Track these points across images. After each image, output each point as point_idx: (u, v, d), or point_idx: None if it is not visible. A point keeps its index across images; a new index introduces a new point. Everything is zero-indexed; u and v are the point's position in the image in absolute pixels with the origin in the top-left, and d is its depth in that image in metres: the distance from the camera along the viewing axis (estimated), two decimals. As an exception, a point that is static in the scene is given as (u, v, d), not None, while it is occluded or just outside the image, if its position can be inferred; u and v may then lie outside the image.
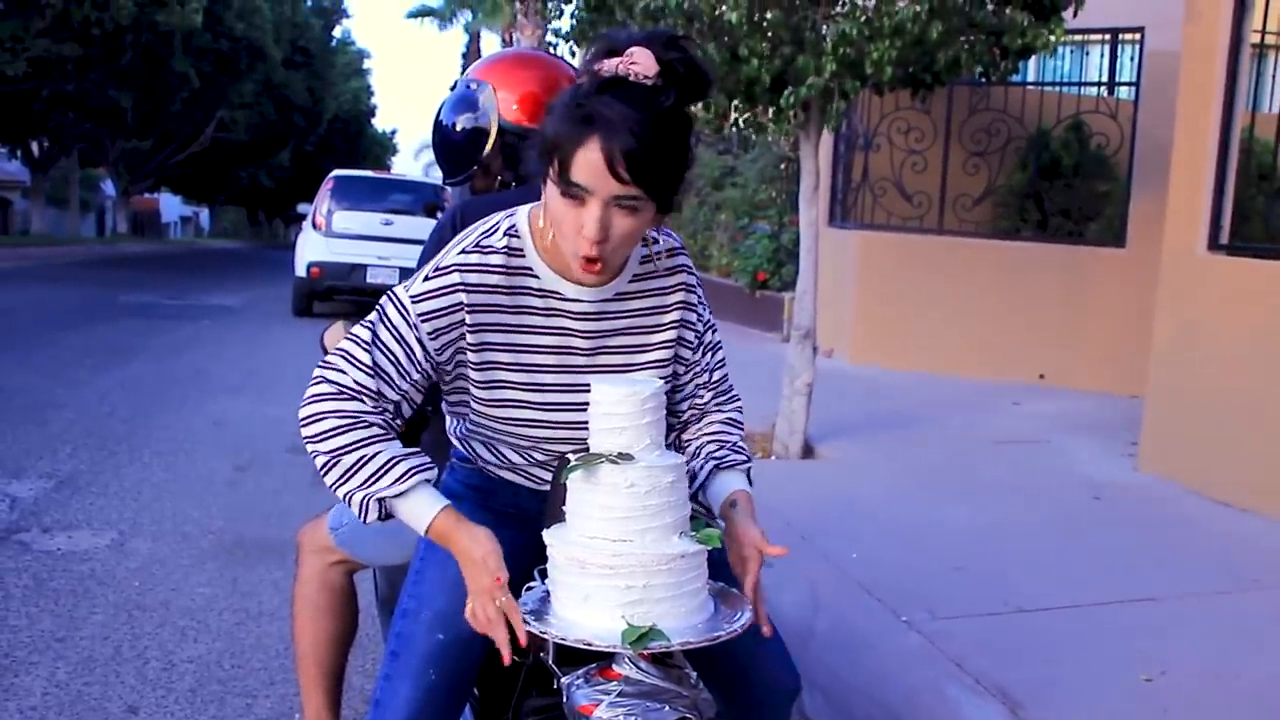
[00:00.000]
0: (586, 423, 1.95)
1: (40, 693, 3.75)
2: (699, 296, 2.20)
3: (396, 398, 1.99)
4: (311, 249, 15.67)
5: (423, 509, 1.94)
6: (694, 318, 2.18)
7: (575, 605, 1.83)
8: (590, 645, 1.77)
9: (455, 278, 1.99)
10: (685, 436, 2.24)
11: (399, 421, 2.01)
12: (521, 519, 2.16)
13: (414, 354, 1.98)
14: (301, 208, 18.86)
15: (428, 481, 1.96)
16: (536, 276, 2.03)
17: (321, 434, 1.94)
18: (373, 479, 1.93)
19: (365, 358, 1.97)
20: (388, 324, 1.99)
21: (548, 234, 1.99)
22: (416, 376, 1.99)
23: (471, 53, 36.88)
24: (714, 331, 2.24)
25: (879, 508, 5.91)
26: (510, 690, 2.34)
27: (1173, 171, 6.82)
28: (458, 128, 3.00)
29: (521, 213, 2.07)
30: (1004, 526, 5.57)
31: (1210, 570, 5.03)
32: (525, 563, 1.99)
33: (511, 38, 31.08)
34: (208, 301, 18.06)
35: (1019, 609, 4.41)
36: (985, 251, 10.55)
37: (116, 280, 21.07)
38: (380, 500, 1.94)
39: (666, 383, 2.10)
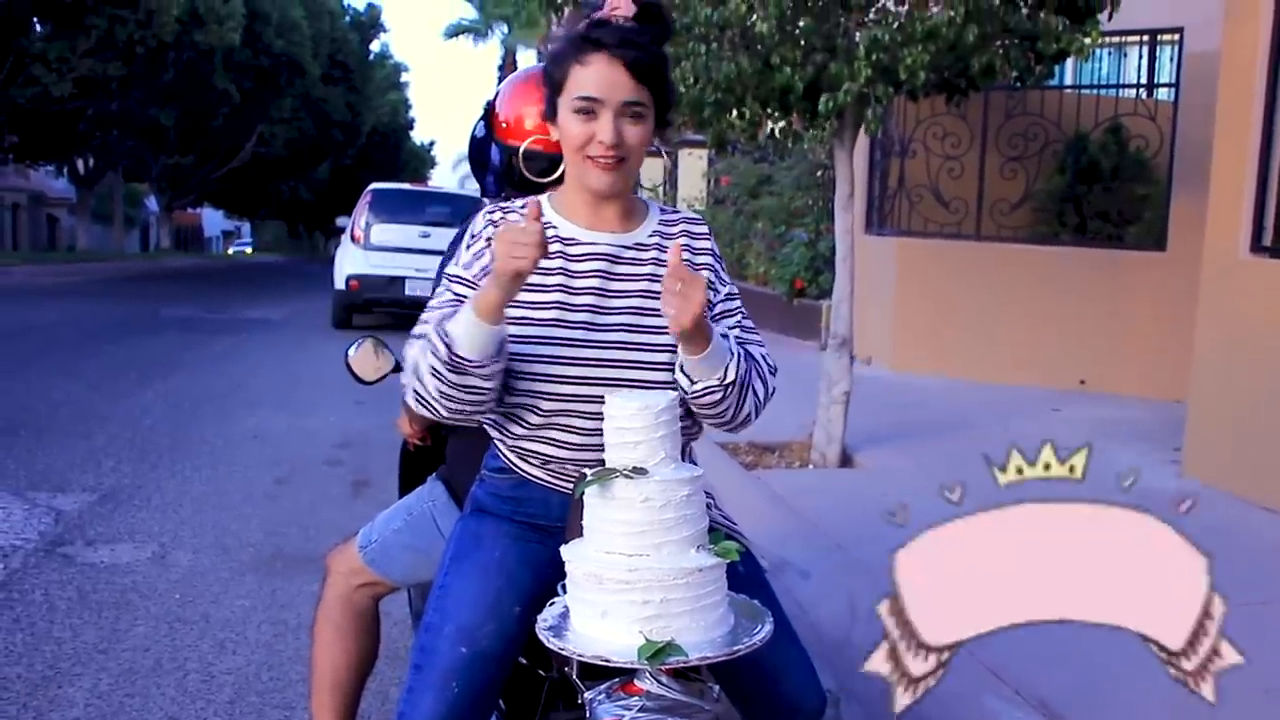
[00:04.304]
0: (606, 379, 2.10)
1: (83, 704, 3.78)
2: (720, 265, 2.35)
3: None
4: (350, 262, 15.79)
5: (465, 312, 2.02)
6: (714, 278, 2.29)
7: (593, 621, 1.82)
8: (607, 661, 1.76)
9: (487, 231, 2.22)
10: None
11: None
12: (550, 531, 2.17)
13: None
14: (340, 221, 18.99)
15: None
16: (555, 226, 2.22)
17: (416, 372, 2.09)
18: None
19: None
20: (455, 292, 2.19)
21: (564, 198, 2.26)
22: None
23: (507, 66, 37.03)
24: (733, 295, 2.34)
25: (918, 517, 5.86)
26: (535, 705, 2.33)
27: (1214, 173, 6.74)
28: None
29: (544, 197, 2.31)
30: (1044, 534, 5.50)
31: (1258, 579, 4.96)
32: (553, 577, 1.99)
33: (547, 50, 31.20)
34: (248, 315, 18.21)
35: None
36: (1024, 257, 10.48)
37: (159, 294, 21.28)
38: (446, 338, 2.03)
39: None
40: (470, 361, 1.99)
